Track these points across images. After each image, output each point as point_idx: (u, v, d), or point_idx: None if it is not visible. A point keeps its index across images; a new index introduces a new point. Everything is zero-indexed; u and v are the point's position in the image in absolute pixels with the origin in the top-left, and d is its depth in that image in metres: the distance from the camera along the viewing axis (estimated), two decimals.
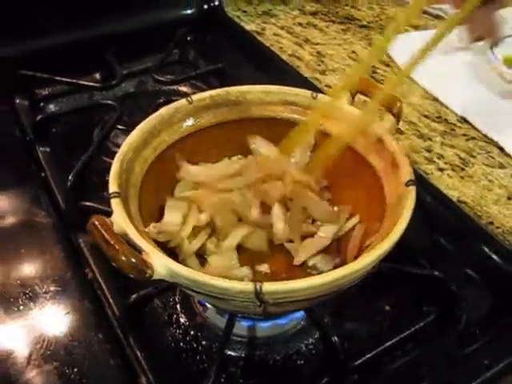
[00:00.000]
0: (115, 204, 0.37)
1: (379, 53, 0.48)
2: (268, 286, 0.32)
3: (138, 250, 0.34)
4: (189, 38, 0.79)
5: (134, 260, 0.32)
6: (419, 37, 0.84)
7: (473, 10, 0.37)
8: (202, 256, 0.44)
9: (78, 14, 0.73)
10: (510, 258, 0.49)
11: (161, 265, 0.33)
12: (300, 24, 0.87)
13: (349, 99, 0.47)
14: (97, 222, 0.34)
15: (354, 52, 0.80)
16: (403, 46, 0.81)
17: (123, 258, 0.32)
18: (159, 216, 0.44)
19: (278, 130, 0.49)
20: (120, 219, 0.35)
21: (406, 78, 0.67)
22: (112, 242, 0.32)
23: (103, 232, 0.33)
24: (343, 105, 0.47)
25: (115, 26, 0.75)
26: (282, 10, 0.90)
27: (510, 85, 0.73)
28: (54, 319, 0.45)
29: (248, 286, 0.32)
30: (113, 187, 0.38)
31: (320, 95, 0.48)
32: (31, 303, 0.45)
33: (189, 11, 0.82)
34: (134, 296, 0.45)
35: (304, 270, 0.44)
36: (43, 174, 0.58)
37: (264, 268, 0.43)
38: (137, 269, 0.32)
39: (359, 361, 0.42)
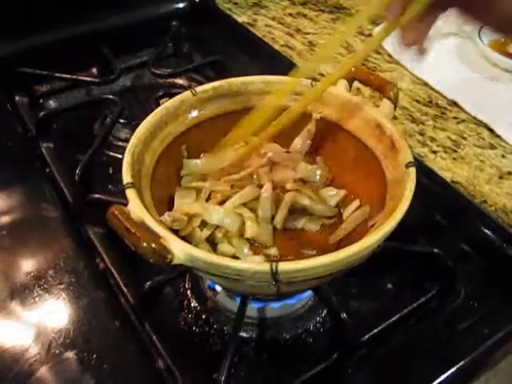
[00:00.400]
0: (131, 194, 0.38)
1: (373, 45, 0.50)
2: (284, 266, 0.33)
3: (156, 236, 0.35)
4: (182, 31, 0.80)
5: (154, 246, 0.34)
6: None
7: (414, 18, 0.39)
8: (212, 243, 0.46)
9: (73, 9, 0.74)
10: (503, 234, 0.52)
11: (180, 250, 0.34)
12: (290, 14, 0.88)
13: (346, 87, 0.49)
14: (116, 212, 0.35)
15: (344, 40, 0.81)
16: (394, 34, 0.83)
17: (145, 245, 0.33)
18: (169, 205, 0.46)
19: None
20: (136, 208, 0.37)
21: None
22: (133, 230, 0.34)
23: (123, 221, 0.35)
24: (337, 91, 0.49)
25: (109, 20, 0.76)
26: (272, 0, 0.92)
27: (497, 68, 0.75)
28: (69, 309, 0.46)
29: (265, 267, 0.33)
30: (127, 178, 0.39)
31: (318, 84, 0.49)
32: (46, 294, 0.47)
33: (181, 5, 0.83)
34: (148, 283, 0.46)
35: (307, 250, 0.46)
36: (48, 170, 0.59)
37: (273, 251, 0.44)
38: (158, 254, 0.34)
39: (366, 336, 0.44)
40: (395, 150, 0.44)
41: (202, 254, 0.34)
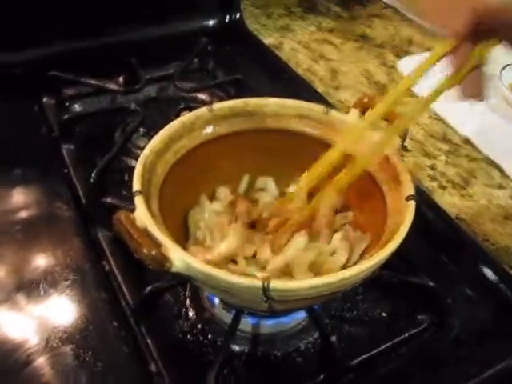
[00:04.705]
0: (138, 201, 0.40)
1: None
2: (275, 284, 0.35)
3: (157, 244, 0.37)
4: (209, 48, 0.82)
5: (154, 253, 0.35)
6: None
7: (467, 73, 0.42)
8: None
9: (106, 20, 0.77)
10: (501, 274, 0.53)
11: (178, 259, 0.36)
12: (316, 40, 0.90)
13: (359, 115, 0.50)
14: (122, 217, 0.37)
15: (366, 70, 0.83)
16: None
17: (145, 251, 0.35)
18: (178, 214, 0.48)
19: (290, 141, 0.52)
20: (142, 215, 0.39)
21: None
22: (135, 236, 0.36)
23: (128, 226, 0.36)
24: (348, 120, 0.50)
25: (141, 33, 0.79)
26: (300, 25, 0.94)
27: None
28: (71, 305, 0.48)
29: (257, 283, 0.35)
30: (136, 186, 0.41)
31: (332, 111, 0.51)
32: (51, 290, 0.49)
33: (211, 22, 0.86)
34: (149, 288, 0.48)
35: None
36: (66, 171, 0.62)
37: None
38: (156, 261, 0.35)
39: (355, 361, 0.45)
40: (398, 183, 0.45)
41: (199, 265, 0.36)
